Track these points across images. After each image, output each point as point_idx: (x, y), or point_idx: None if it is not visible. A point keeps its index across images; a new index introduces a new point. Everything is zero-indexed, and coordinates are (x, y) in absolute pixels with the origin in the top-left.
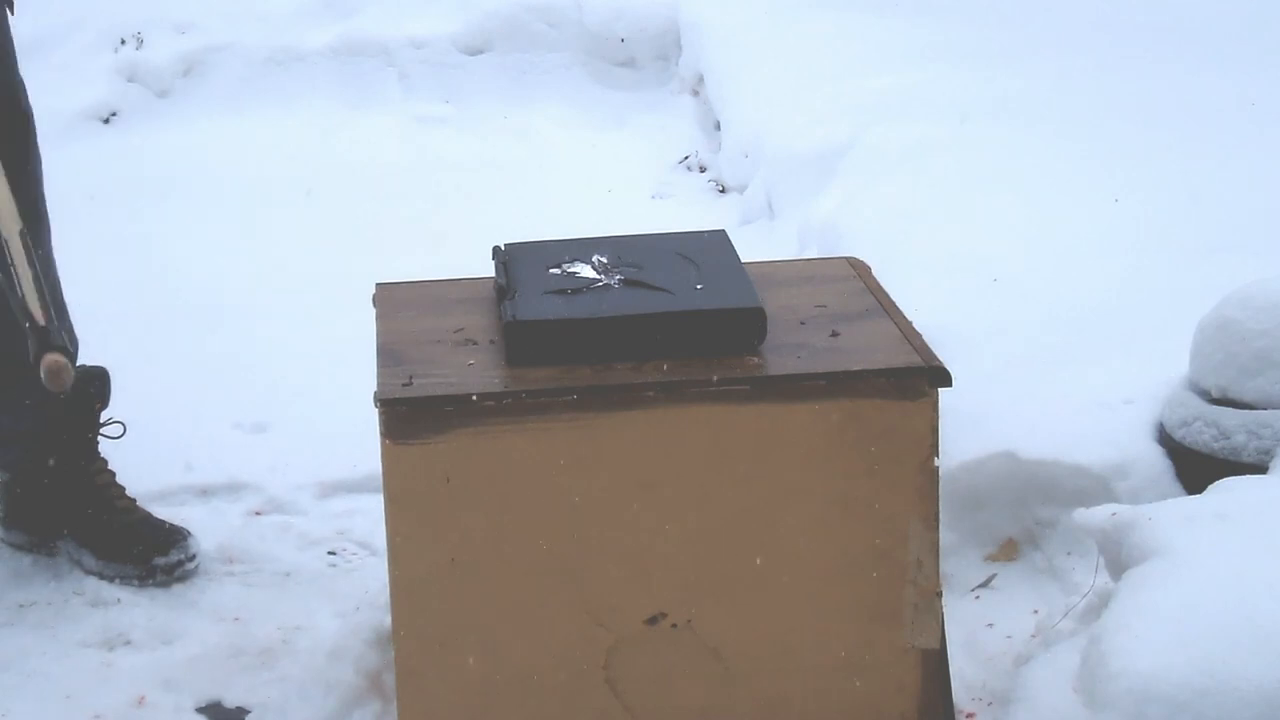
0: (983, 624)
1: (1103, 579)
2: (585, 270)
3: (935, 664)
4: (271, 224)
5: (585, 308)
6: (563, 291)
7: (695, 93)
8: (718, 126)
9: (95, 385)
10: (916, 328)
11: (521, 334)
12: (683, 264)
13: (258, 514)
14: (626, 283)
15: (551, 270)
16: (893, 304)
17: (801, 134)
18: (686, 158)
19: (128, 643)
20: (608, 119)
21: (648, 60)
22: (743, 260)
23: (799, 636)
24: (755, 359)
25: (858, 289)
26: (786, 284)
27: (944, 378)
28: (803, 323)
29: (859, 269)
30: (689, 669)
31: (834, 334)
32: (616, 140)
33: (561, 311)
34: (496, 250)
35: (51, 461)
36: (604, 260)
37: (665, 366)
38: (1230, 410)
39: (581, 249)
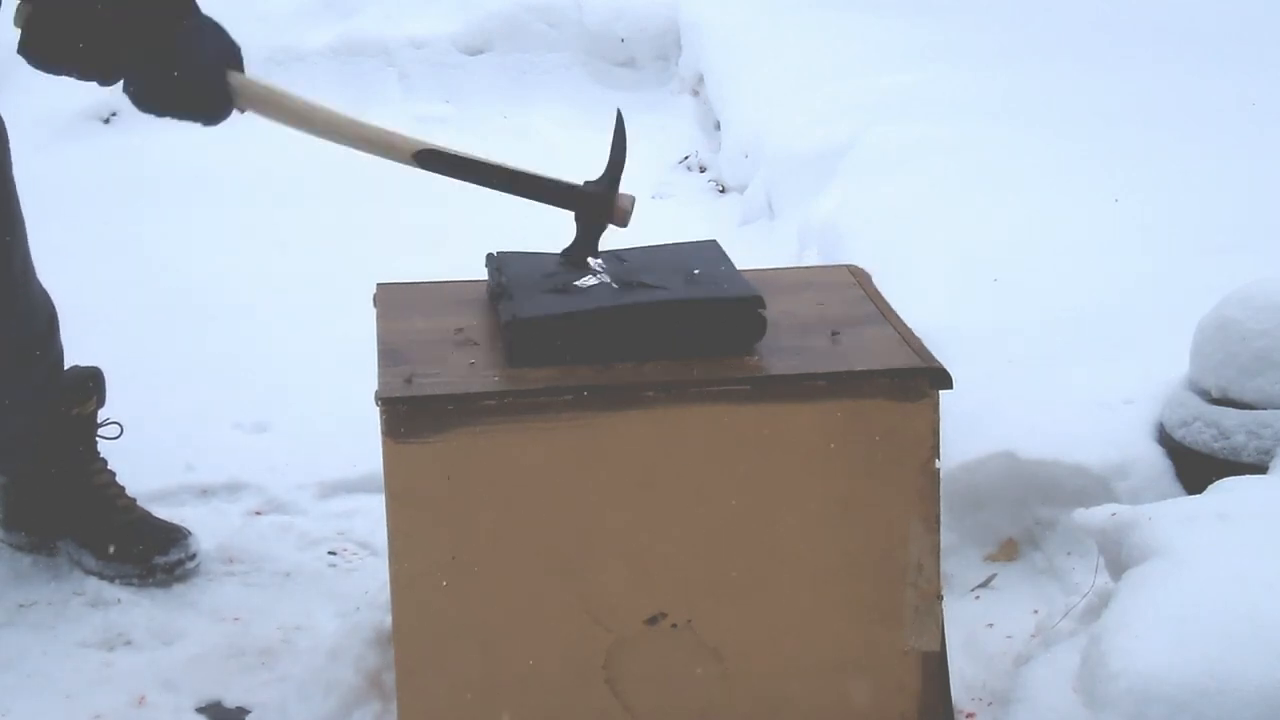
0: (983, 624)
1: (1103, 579)
2: (584, 273)
3: (935, 666)
4: (271, 224)
5: (585, 302)
6: (559, 290)
7: (695, 93)
8: (718, 126)
9: (90, 385)
10: (916, 328)
11: (523, 332)
12: (678, 268)
13: (258, 514)
14: (623, 283)
15: (546, 274)
16: (892, 310)
17: (801, 134)
18: (686, 158)
19: (128, 643)
20: (608, 119)
21: (648, 60)
22: (743, 264)
23: (799, 637)
24: (756, 359)
25: (857, 296)
26: (787, 290)
27: (944, 379)
28: (803, 328)
29: (859, 276)
30: (689, 669)
31: (834, 339)
32: None
33: (561, 307)
34: (490, 257)
35: (49, 464)
36: (600, 264)
37: (666, 366)
38: (1230, 410)
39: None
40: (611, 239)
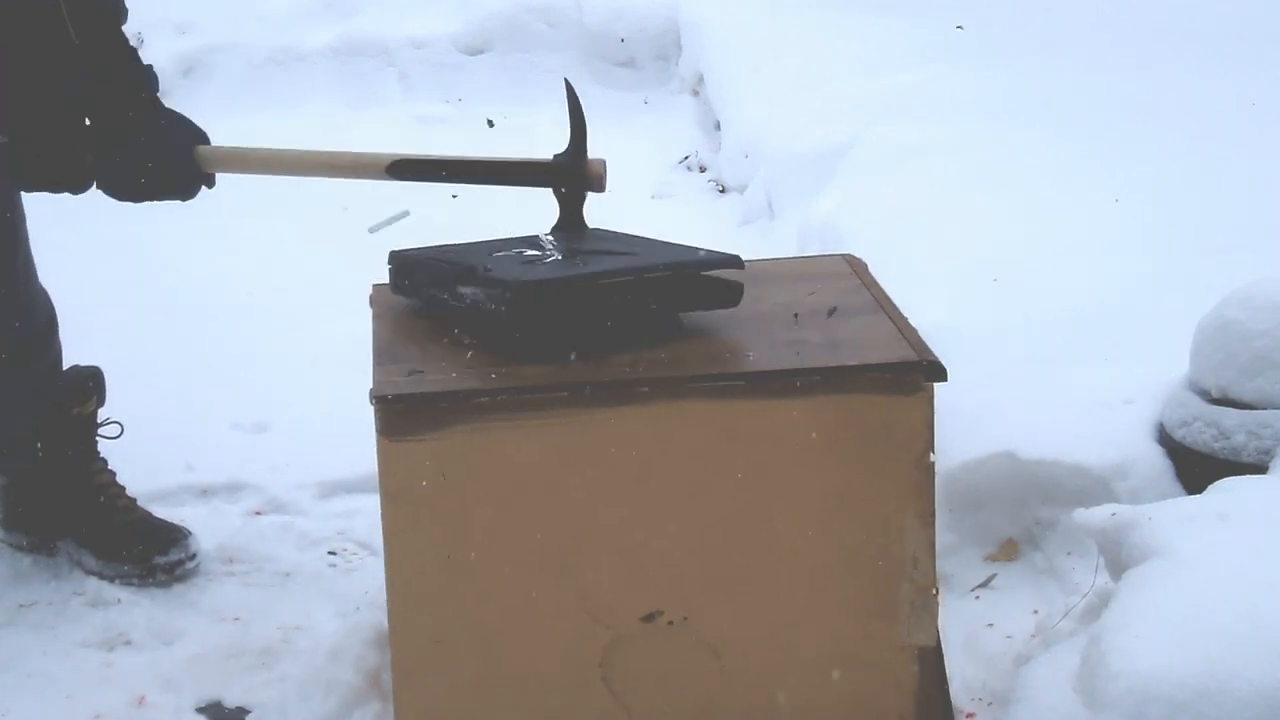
0: (983, 624)
1: (1103, 579)
2: (532, 250)
3: (932, 660)
4: (271, 224)
5: (577, 268)
6: (533, 262)
7: (695, 93)
8: (718, 126)
9: (91, 385)
10: (916, 327)
11: (531, 294)
12: (609, 243)
13: (258, 514)
14: (581, 253)
15: (497, 255)
16: (889, 300)
17: (801, 134)
18: (686, 158)
19: (128, 643)
20: (608, 119)
21: (648, 60)
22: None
23: (796, 633)
24: (751, 354)
25: (854, 285)
26: (783, 281)
27: (939, 372)
28: (799, 319)
29: (855, 266)
30: (686, 666)
31: (830, 330)
32: (616, 140)
33: (557, 272)
34: (397, 256)
35: (49, 464)
36: (552, 240)
37: (661, 362)
38: (1230, 410)
39: (501, 242)
40: (620, 228)
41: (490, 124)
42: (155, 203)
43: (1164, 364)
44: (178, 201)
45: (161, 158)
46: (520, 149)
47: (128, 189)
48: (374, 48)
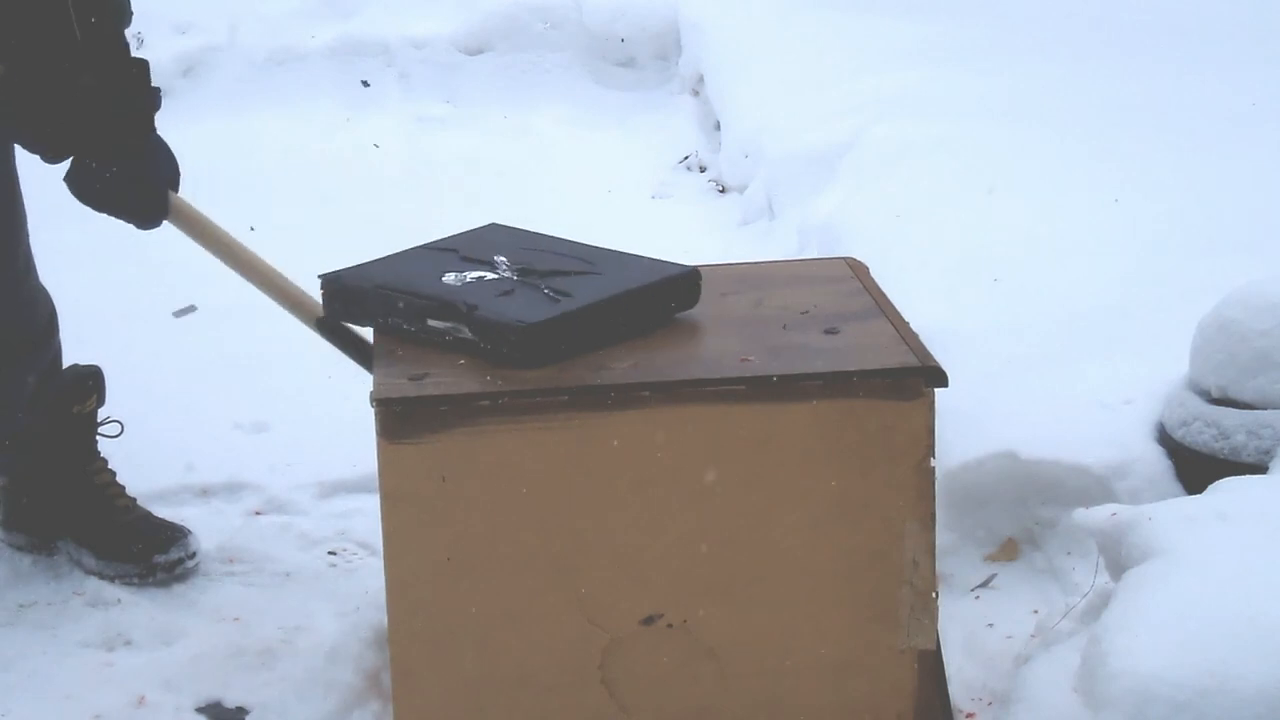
0: (983, 624)
1: (1103, 579)
2: (490, 273)
3: (931, 664)
4: (271, 224)
5: (564, 302)
6: (508, 293)
7: (695, 93)
8: (718, 126)
9: (91, 384)
10: (916, 328)
11: (534, 336)
12: (549, 255)
13: (258, 514)
14: (540, 274)
15: (449, 279)
16: (890, 304)
17: (801, 134)
18: (686, 158)
19: (128, 643)
20: (608, 119)
21: (648, 60)
22: (743, 261)
23: (795, 637)
24: (751, 358)
25: (855, 289)
26: (784, 284)
27: (940, 378)
28: (798, 324)
29: (856, 269)
30: (685, 669)
31: (830, 334)
32: (616, 140)
33: (554, 310)
34: (332, 279)
35: (49, 464)
36: (505, 260)
37: (661, 366)
38: (1230, 410)
39: (431, 258)
40: (619, 227)
41: None
42: (111, 217)
43: (1164, 364)
44: (135, 227)
45: (139, 182)
46: (521, 148)
47: (91, 193)
48: (374, 48)
